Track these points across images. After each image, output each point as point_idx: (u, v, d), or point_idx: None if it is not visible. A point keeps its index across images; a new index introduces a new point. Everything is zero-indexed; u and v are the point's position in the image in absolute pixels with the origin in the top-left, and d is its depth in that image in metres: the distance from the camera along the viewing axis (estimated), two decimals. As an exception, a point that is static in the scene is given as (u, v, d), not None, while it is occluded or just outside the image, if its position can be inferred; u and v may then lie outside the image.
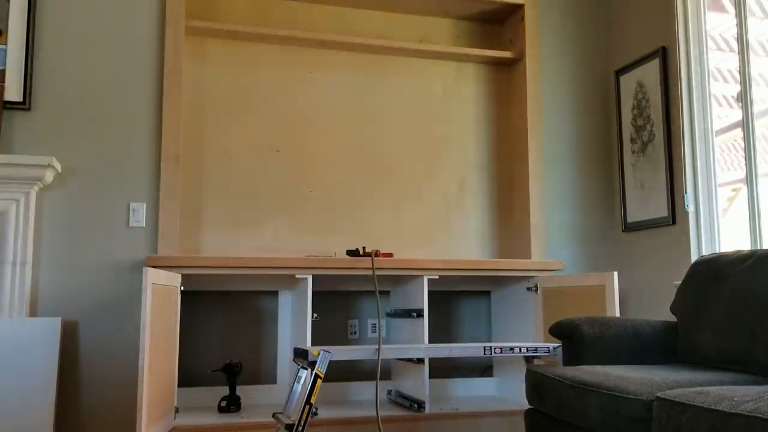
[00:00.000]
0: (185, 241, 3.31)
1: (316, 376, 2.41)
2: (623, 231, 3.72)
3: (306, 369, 2.53)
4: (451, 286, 3.54)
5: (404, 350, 2.76)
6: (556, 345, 2.75)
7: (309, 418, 2.38)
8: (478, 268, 3.29)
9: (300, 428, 2.35)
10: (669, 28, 3.41)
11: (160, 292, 2.70)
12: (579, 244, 3.78)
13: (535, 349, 2.79)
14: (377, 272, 3.12)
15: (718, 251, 3.09)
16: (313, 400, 2.39)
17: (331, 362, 2.48)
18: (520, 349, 2.78)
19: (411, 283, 3.26)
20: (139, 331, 2.48)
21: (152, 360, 2.59)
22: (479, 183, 3.79)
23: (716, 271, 2.59)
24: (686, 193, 3.28)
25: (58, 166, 3.05)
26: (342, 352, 2.65)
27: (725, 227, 3.26)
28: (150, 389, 2.53)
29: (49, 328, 2.86)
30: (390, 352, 2.72)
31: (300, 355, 2.60)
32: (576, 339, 2.56)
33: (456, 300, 3.74)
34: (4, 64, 3.12)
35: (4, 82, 3.09)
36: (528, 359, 2.93)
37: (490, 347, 2.73)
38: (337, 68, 3.66)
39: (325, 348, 2.50)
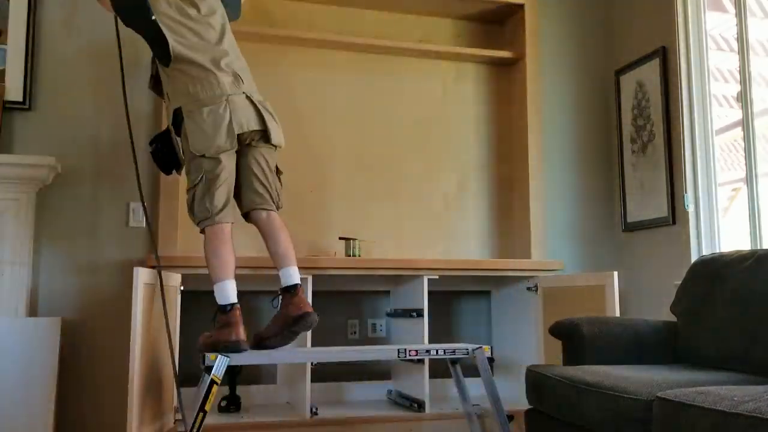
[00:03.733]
0: (185, 241, 3.31)
1: (212, 382, 2.30)
2: (623, 231, 3.72)
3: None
4: (451, 286, 3.53)
5: (328, 354, 2.69)
6: (475, 346, 2.59)
7: (202, 425, 2.26)
8: (478, 268, 3.29)
9: None
10: (669, 28, 3.41)
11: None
12: (579, 244, 3.77)
13: (453, 351, 2.61)
14: (377, 272, 3.12)
15: (718, 251, 3.09)
16: (207, 408, 2.26)
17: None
18: (437, 351, 2.60)
19: (411, 283, 3.26)
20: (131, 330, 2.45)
21: (148, 359, 2.59)
22: (479, 183, 3.78)
23: (716, 271, 2.59)
24: (686, 193, 3.28)
25: (58, 166, 3.05)
26: (261, 357, 2.58)
27: (725, 227, 3.25)
28: (144, 389, 2.53)
29: (49, 328, 2.86)
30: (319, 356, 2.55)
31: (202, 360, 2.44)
32: (576, 339, 2.56)
33: (456, 300, 3.74)
34: (4, 64, 3.11)
35: (4, 82, 3.09)
36: (452, 362, 2.79)
37: (405, 349, 2.56)
38: (337, 68, 3.66)
39: (225, 354, 2.38)
